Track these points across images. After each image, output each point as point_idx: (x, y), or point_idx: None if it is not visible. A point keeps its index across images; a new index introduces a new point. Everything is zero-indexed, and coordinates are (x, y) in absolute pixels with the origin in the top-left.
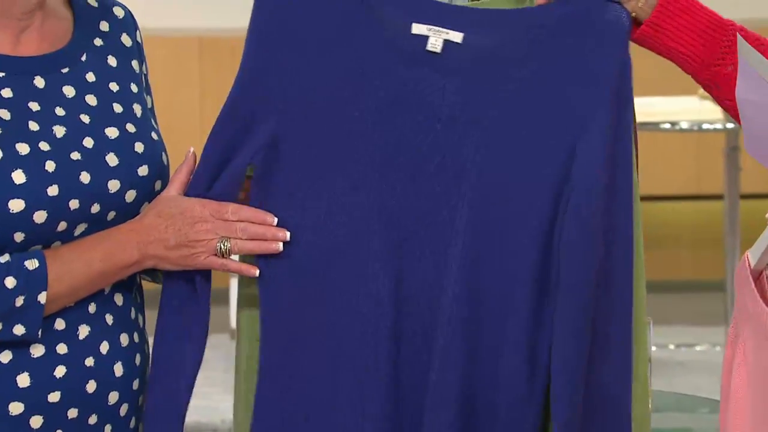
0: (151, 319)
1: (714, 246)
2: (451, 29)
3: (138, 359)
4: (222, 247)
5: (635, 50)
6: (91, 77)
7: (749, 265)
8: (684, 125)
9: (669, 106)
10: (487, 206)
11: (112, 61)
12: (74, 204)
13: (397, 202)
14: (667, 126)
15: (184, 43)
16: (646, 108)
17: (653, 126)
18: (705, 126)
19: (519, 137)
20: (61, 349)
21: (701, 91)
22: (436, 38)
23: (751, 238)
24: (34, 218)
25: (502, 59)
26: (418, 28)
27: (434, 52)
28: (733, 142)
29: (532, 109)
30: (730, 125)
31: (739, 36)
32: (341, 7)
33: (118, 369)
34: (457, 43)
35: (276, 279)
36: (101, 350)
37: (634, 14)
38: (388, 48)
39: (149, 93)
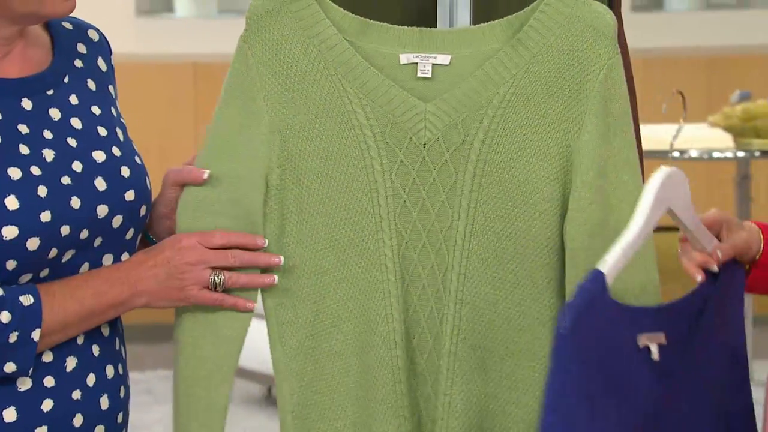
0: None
1: None
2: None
3: (122, 392)
4: (216, 279)
5: (643, 77)
6: (74, 100)
7: None
8: (694, 153)
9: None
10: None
11: (91, 84)
12: (65, 230)
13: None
14: (676, 154)
15: (178, 69)
16: (655, 136)
17: (662, 154)
18: (715, 154)
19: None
20: (49, 382)
21: (711, 117)
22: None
23: None
24: (27, 245)
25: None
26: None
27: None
28: (744, 171)
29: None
30: (740, 154)
31: None
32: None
33: (104, 402)
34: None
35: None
36: (88, 382)
37: (747, 266)
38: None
39: (122, 117)
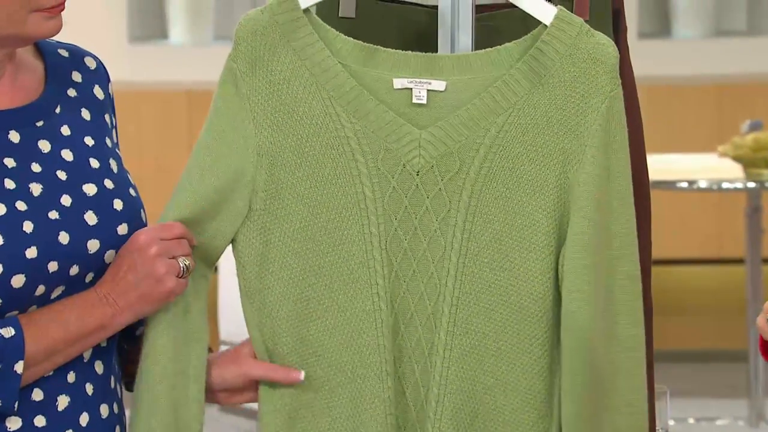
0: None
1: (736, 313)
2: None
3: (117, 431)
4: (183, 265)
5: (650, 106)
6: (66, 131)
7: None
8: (703, 184)
9: (686, 164)
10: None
11: (85, 114)
12: (53, 266)
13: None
14: (685, 185)
15: (172, 97)
16: (663, 166)
17: (670, 185)
18: (725, 185)
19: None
20: (39, 421)
21: (721, 147)
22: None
23: None
24: (12, 282)
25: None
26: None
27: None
28: (755, 202)
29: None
30: (751, 185)
31: None
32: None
33: None
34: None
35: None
36: (81, 422)
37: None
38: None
39: (118, 148)
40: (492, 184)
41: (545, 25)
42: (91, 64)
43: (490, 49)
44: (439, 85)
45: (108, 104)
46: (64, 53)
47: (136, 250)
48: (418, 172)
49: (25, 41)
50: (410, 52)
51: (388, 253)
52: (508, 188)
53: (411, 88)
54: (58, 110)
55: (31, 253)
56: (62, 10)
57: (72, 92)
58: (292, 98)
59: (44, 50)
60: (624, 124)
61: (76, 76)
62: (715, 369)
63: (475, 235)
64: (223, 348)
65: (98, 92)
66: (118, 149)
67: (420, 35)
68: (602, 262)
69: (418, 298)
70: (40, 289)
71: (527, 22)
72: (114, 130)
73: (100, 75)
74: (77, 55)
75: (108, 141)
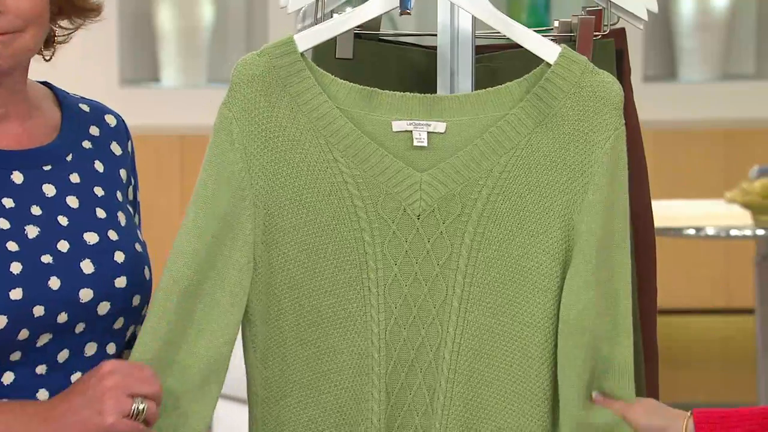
0: None
1: (745, 365)
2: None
3: None
4: (138, 407)
5: (656, 150)
6: (75, 178)
7: None
8: (710, 231)
9: (693, 211)
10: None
11: (99, 166)
12: (39, 311)
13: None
14: (692, 232)
15: (164, 141)
16: (668, 212)
17: (676, 232)
18: (733, 232)
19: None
20: None
21: (729, 193)
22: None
23: None
24: None
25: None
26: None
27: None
28: (764, 250)
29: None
30: (760, 232)
31: None
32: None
33: None
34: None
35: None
36: None
37: None
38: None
39: (137, 208)
40: (495, 226)
41: (548, 64)
42: (111, 121)
43: (491, 88)
44: (439, 126)
45: (125, 160)
46: (85, 108)
47: (95, 375)
48: (419, 215)
49: None
50: (409, 93)
51: (386, 299)
52: (511, 231)
53: (411, 131)
54: (69, 158)
55: (16, 294)
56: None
57: (87, 144)
58: (289, 145)
59: (64, 102)
60: (625, 162)
61: (94, 130)
62: None
63: (477, 280)
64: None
65: (115, 148)
66: (132, 207)
67: (420, 76)
68: (601, 300)
69: (419, 344)
70: (24, 333)
71: (529, 62)
72: (130, 187)
73: (120, 132)
74: (98, 111)
75: (119, 194)
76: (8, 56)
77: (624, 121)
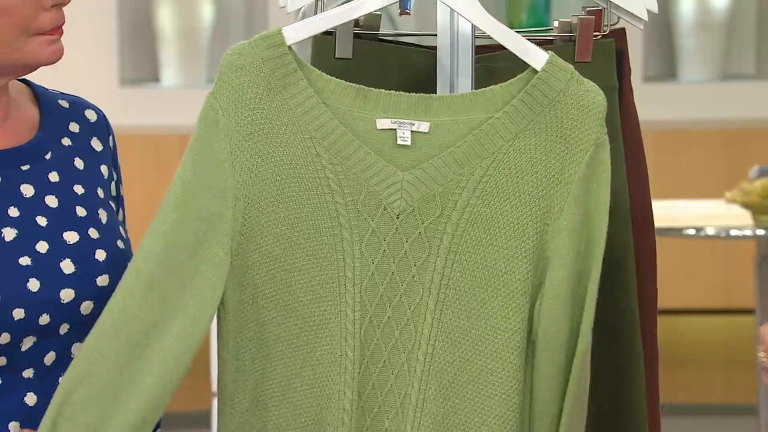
0: None
1: (745, 365)
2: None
3: None
4: None
5: (657, 149)
6: (54, 177)
7: None
8: (710, 231)
9: (693, 211)
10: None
11: (78, 163)
12: (19, 313)
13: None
14: (692, 232)
15: (164, 141)
16: (668, 212)
17: (676, 232)
18: (733, 233)
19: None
20: None
21: (729, 194)
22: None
23: None
24: None
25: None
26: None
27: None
28: (764, 250)
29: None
30: (760, 232)
31: None
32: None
33: None
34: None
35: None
36: None
37: None
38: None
39: (121, 203)
40: (473, 229)
41: (534, 70)
42: (91, 116)
43: (477, 90)
44: (423, 126)
45: (106, 156)
46: (65, 104)
47: None
48: (398, 215)
49: (26, 68)
50: (402, 93)
51: (362, 298)
52: (489, 234)
53: (395, 129)
54: (48, 156)
55: None
56: (62, 33)
57: (66, 141)
58: (273, 138)
59: (42, 99)
60: (608, 173)
61: (74, 127)
62: (723, 423)
63: (453, 282)
64: (215, 402)
65: (96, 144)
66: (115, 202)
67: (420, 77)
68: (578, 308)
69: (392, 345)
70: (5, 337)
71: (528, 63)
72: (112, 182)
73: (100, 127)
74: (78, 106)
75: (100, 191)
76: (59, 50)
77: (606, 132)
